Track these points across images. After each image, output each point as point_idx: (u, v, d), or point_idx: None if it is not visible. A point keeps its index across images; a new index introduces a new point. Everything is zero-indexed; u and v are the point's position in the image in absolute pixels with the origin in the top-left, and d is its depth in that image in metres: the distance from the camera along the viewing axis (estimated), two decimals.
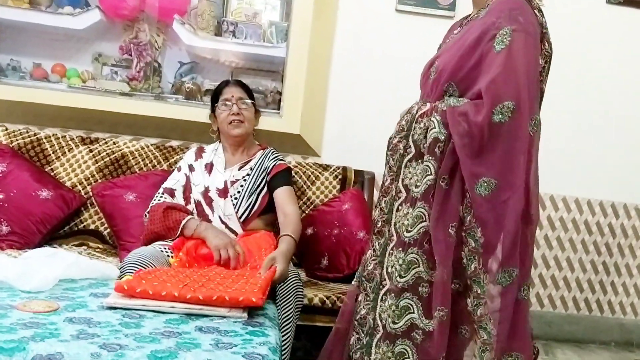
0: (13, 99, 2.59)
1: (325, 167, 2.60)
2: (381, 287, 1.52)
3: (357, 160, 2.70)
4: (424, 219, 1.46)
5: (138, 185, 2.32)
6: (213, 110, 2.14)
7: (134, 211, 2.25)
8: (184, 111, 2.69)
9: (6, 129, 2.46)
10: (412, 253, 1.47)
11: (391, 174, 1.58)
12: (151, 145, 2.55)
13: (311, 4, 2.70)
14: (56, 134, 2.50)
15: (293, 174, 2.38)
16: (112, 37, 2.83)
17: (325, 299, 1.98)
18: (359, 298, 1.58)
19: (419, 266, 1.46)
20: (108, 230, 2.35)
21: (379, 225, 1.58)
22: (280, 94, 2.83)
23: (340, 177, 2.56)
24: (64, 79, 2.78)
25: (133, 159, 2.47)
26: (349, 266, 2.20)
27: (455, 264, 1.45)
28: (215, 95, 2.12)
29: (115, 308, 1.42)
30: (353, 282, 1.65)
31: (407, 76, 2.73)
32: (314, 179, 2.53)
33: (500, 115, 1.38)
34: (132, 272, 1.70)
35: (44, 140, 2.45)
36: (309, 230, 2.35)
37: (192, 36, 2.77)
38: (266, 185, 2.06)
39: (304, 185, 2.50)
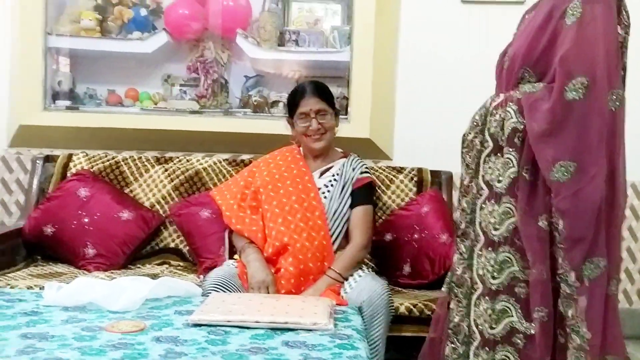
0: (92, 126, 2.69)
1: (399, 170, 2.51)
2: (473, 291, 1.43)
3: (431, 160, 2.58)
4: (512, 214, 1.37)
5: (212, 202, 2.32)
6: (291, 116, 2.03)
7: (211, 227, 2.26)
8: (253, 124, 2.70)
9: (86, 155, 2.55)
10: (503, 252, 1.38)
11: (469, 171, 1.50)
12: (223, 160, 2.57)
13: (373, 4, 2.63)
14: (132, 156, 2.57)
15: None
16: (179, 58, 2.88)
17: (412, 307, 1.89)
18: (451, 305, 1.49)
19: (512, 265, 1.36)
20: (187, 247, 2.37)
21: (462, 226, 1.49)
22: (347, 99, 2.77)
23: (415, 179, 2.47)
24: (137, 102, 2.86)
25: (207, 175, 2.49)
26: (433, 271, 2.10)
27: (550, 260, 1.34)
28: (292, 105, 2.01)
29: (200, 325, 1.41)
30: (443, 289, 1.56)
31: (478, 69, 2.59)
32: (388, 182, 2.45)
33: (573, 93, 1.29)
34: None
35: (122, 163, 2.52)
36: (388, 236, 2.27)
37: (256, 49, 2.78)
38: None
39: (379, 190, 2.43)
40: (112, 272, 2.19)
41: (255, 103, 2.79)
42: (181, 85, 2.89)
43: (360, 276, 1.86)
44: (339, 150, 2.12)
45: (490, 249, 1.39)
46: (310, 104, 1.96)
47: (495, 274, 1.37)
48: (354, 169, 2.02)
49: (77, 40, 2.77)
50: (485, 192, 1.43)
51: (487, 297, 1.39)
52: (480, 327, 1.40)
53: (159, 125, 2.70)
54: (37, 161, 2.52)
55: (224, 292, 1.74)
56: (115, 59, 2.83)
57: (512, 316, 1.36)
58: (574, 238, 1.29)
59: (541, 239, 1.32)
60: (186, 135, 2.70)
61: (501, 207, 1.38)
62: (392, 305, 1.78)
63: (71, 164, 2.49)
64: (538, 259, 1.31)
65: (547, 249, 1.32)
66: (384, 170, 2.51)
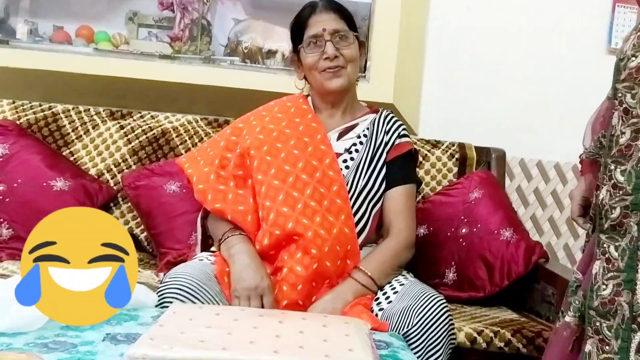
0: (27, 67, 2.07)
1: (435, 144, 1.94)
2: (636, 328, 0.83)
3: (468, 135, 2.05)
4: None
5: (182, 172, 1.74)
6: (296, 50, 1.45)
7: (179, 206, 1.73)
8: (242, 77, 2.11)
9: (13, 103, 1.96)
10: None
11: (632, 121, 0.90)
12: (200, 119, 1.99)
13: None
14: (77, 107, 1.98)
15: None
16: None
17: (475, 334, 1.29)
18: (587, 347, 0.89)
19: None
20: (146, 233, 1.81)
21: (613, 214, 0.89)
22: (366, 52, 2.20)
23: (457, 156, 1.90)
24: (92, 44, 2.25)
25: (177, 136, 1.92)
26: (492, 282, 1.54)
27: None
28: (297, 29, 1.43)
29: None
30: (567, 319, 0.96)
31: (537, 13, 2.11)
32: (421, 159, 1.87)
33: None
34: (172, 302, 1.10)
35: (62, 115, 1.93)
36: (422, 230, 1.69)
37: None
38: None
39: None
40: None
41: (245, 50, 2.19)
42: (150, 26, 2.31)
43: (402, 285, 1.26)
44: (364, 103, 1.52)
45: None
46: (323, 21, 1.38)
47: None
48: (387, 132, 1.42)
49: None
50: None
51: None
52: None
53: (119, 72, 2.09)
54: None
55: (192, 302, 1.14)
56: None
57: None
58: None
59: None
60: (154, 87, 2.10)
61: None
62: (454, 334, 1.17)
63: None
64: None
65: None
66: (415, 143, 1.92)
